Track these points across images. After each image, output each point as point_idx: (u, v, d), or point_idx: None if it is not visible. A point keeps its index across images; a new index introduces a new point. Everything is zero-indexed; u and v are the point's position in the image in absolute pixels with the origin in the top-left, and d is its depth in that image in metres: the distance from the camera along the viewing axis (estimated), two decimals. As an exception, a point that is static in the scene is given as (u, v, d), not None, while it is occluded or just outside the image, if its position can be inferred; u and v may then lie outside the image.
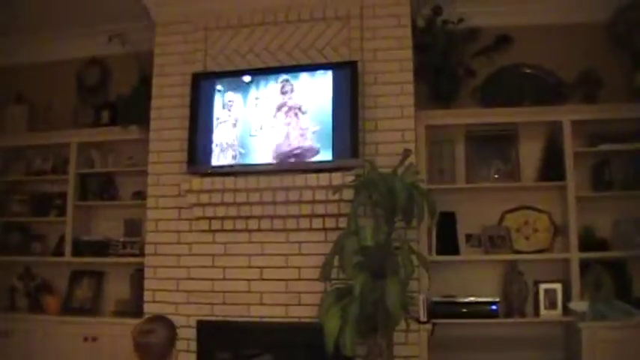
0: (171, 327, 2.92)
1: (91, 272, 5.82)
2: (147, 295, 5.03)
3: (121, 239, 5.61)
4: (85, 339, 5.25)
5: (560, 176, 4.92)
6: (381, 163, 4.50)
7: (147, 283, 5.05)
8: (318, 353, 4.20)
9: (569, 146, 4.91)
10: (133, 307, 5.32)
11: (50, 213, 5.93)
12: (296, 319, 4.73)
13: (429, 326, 4.63)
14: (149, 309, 4.96)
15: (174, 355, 2.90)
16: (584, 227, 4.94)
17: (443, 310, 4.83)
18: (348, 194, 4.50)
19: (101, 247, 5.63)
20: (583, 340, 4.50)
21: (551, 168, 5.02)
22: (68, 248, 5.70)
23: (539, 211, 5.12)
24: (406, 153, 4.39)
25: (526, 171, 5.19)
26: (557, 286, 4.87)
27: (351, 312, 4.08)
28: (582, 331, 4.51)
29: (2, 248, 6.02)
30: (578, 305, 4.69)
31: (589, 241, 4.90)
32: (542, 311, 4.84)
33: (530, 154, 5.21)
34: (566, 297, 4.81)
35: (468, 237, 5.13)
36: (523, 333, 5.00)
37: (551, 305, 4.86)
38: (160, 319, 3.02)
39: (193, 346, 4.85)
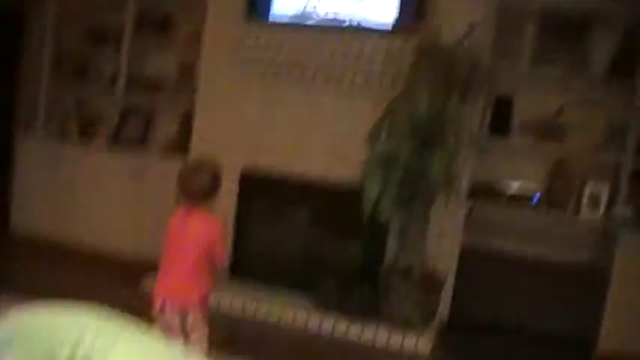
0: (216, 171, 2.94)
1: (141, 109, 5.88)
2: (195, 138, 5.11)
3: (175, 78, 5.61)
4: (132, 172, 5.40)
5: (630, 75, 4.70)
6: (445, 34, 4.33)
7: (196, 125, 5.11)
8: (355, 215, 4.26)
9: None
10: (180, 147, 5.38)
11: (106, 46, 5.93)
12: (338, 180, 4.76)
13: (468, 206, 4.62)
14: (196, 151, 5.04)
15: (214, 198, 2.94)
16: (644, 132, 4.78)
17: (484, 192, 4.79)
18: (408, 60, 4.39)
19: (154, 85, 5.66)
20: (619, 247, 4.46)
21: (622, 65, 4.78)
22: (121, 82, 5.74)
23: (601, 108, 4.93)
24: (472, 27, 4.24)
25: (595, 65, 4.95)
26: (604, 188, 4.76)
27: (394, 178, 4.09)
28: (620, 237, 4.46)
29: (57, 78, 6.08)
30: (621, 210, 4.61)
31: (645, 147, 4.74)
32: (584, 210, 4.76)
33: (602, 45, 4.91)
34: (611, 201, 4.72)
35: (522, 124, 5.00)
36: (561, 228, 4.95)
37: (594, 206, 4.77)
38: (208, 162, 3.04)
39: (235, 192, 4.95)
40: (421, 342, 4.15)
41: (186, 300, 2.88)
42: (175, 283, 2.89)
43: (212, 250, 2.90)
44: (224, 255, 3.02)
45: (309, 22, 4.69)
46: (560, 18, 4.92)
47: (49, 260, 5.25)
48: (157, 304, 2.87)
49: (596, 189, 4.77)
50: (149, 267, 4.89)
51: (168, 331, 2.85)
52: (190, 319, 2.88)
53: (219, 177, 2.93)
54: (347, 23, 4.61)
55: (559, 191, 4.85)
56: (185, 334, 2.88)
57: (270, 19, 4.77)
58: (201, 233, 2.88)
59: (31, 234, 5.73)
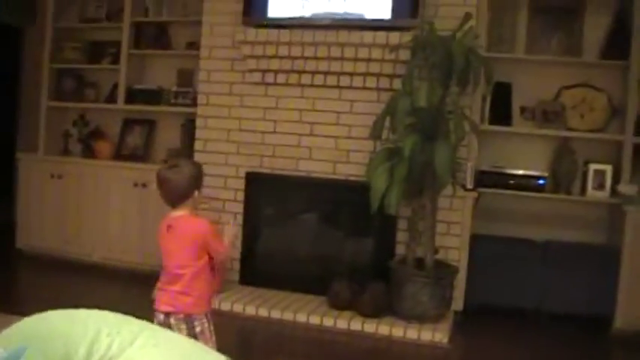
0: (196, 168, 2.82)
1: (142, 120, 5.91)
2: (197, 145, 5.13)
3: (174, 89, 5.63)
4: (136, 184, 5.41)
5: (624, 55, 4.73)
6: (440, 26, 4.34)
7: (198, 133, 5.14)
8: (363, 211, 4.29)
9: (639, 23, 4.67)
10: (183, 155, 5.39)
11: (104, 60, 5.96)
12: (343, 177, 4.79)
13: (474, 194, 4.64)
14: (199, 158, 5.05)
15: (196, 199, 2.79)
16: (643, 111, 4.80)
17: (490, 179, 4.82)
18: (405, 55, 4.44)
19: (153, 96, 5.68)
20: (627, 224, 4.48)
21: (616, 46, 4.80)
22: (121, 96, 5.76)
23: (598, 89, 4.96)
24: (466, 17, 4.26)
25: (589, 47, 4.98)
26: (607, 168, 4.79)
27: (399, 172, 4.11)
28: (627, 215, 4.48)
29: (57, 94, 6.13)
30: (627, 188, 4.64)
31: (645, 126, 4.77)
32: (590, 191, 4.80)
33: (595, 29, 4.96)
34: (615, 179, 4.74)
35: (522, 109, 5.03)
36: (567, 211, 4.99)
37: (599, 186, 4.80)
38: (187, 159, 3.00)
39: (241, 196, 4.99)
40: (438, 333, 4.17)
41: (187, 308, 2.73)
42: (173, 292, 2.74)
43: (207, 248, 2.76)
44: (224, 249, 2.83)
45: (305, 21, 4.70)
46: (552, 3, 4.96)
47: (57, 275, 5.31)
48: (160, 317, 2.73)
49: (600, 168, 4.80)
50: (157, 276, 4.97)
51: None
52: (198, 328, 2.73)
53: (196, 175, 2.79)
54: (342, 20, 4.63)
55: (564, 174, 4.88)
56: None
57: (267, 20, 4.79)
58: (187, 234, 2.74)
59: (38, 251, 5.77)
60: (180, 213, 2.76)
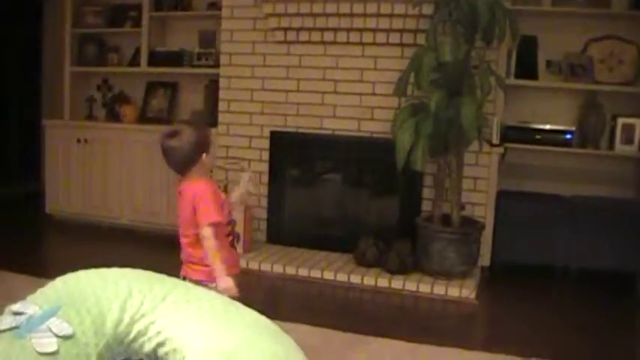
0: (198, 132, 2.61)
1: (166, 83, 5.92)
2: (221, 105, 5.13)
3: (196, 50, 5.60)
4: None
5: (654, 6, 4.62)
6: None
7: (221, 94, 5.13)
8: (388, 169, 4.28)
9: (670, -30, 4.56)
10: (207, 117, 5.41)
11: (125, 24, 5.95)
12: (368, 134, 4.77)
13: (501, 150, 4.60)
14: (223, 119, 5.08)
15: (205, 163, 2.64)
16: (673, 63, 4.71)
17: (516, 135, 4.76)
18: (428, 9, 4.38)
19: (176, 58, 5.66)
20: (656, 178, 4.43)
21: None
22: (144, 59, 5.77)
23: (627, 42, 4.85)
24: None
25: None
26: (636, 122, 4.71)
27: (425, 128, 4.08)
28: (657, 169, 4.42)
29: (79, 60, 6.15)
30: (656, 142, 4.57)
31: (676, 75, 4.67)
32: (618, 145, 4.72)
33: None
34: (644, 133, 4.68)
35: (549, 63, 4.94)
36: (595, 166, 4.93)
37: (628, 141, 4.72)
38: (190, 123, 2.78)
39: (266, 155, 5.01)
40: (465, 289, 4.17)
41: (195, 275, 2.66)
42: (183, 259, 2.71)
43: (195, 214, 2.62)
44: (208, 219, 2.55)
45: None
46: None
47: (86, 239, 5.38)
48: None
49: (629, 122, 4.72)
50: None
51: None
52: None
53: (199, 140, 2.59)
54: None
55: (591, 129, 4.81)
56: None
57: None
58: (188, 199, 2.62)
59: (67, 216, 5.85)
60: (190, 180, 2.64)
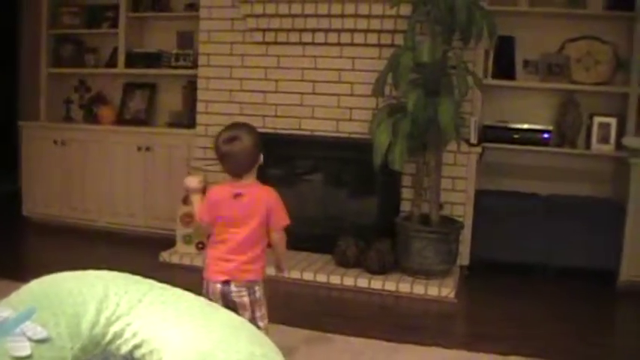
0: (254, 131, 2.71)
1: (144, 84, 5.88)
2: (199, 106, 5.12)
3: (174, 51, 5.57)
4: (139, 148, 5.39)
5: (630, 7, 4.66)
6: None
7: (200, 95, 5.12)
8: (368, 169, 4.28)
9: (643, -28, 4.61)
10: (185, 118, 5.40)
11: (103, 25, 5.90)
12: (346, 135, 4.78)
13: (479, 149, 4.63)
14: (201, 120, 5.06)
15: (260, 163, 2.74)
16: (648, 62, 4.75)
17: (494, 134, 4.80)
18: (406, 9, 4.39)
19: (154, 59, 5.63)
20: (632, 177, 4.46)
21: (621, -3, 4.75)
22: (121, 60, 5.72)
23: (603, 42, 4.90)
24: (468, -31, 4.19)
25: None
26: (612, 121, 4.77)
27: (403, 128, 4.09)
28: (632, 168, 4.45)
29: (56, 61, 6.09)
30: (632, 141, 4.61)
31: (651, 77, 4.72)
32: (595, 144, 4.78)
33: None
34: (621, 132, 4.72)
35: (526, 63, 4.99)
36: (572, 165, 4.97)
37: (604, 139, 4.78)
38: (242, 125, 2.78)
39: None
40: (445, 288, 4.18)
41: (251, 276, 2.72)
42: (239, 262, 2.70)
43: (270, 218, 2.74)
44: (286, 219, 2.77)
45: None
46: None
47: (64, 242, 5.32)
48: (217, 286, 2.69)
49: (605, 122, 4.77)
50: (162, 239, 4.96)
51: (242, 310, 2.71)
52: (258, 294, 2.74)
53: (258, 141, 2.69)
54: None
55: (568, 128, 4.85)
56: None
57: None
58: (260, 202, 2.70)
59: (44, 218, 5.79)
60: (249, 181, 2.71)
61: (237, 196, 2.68)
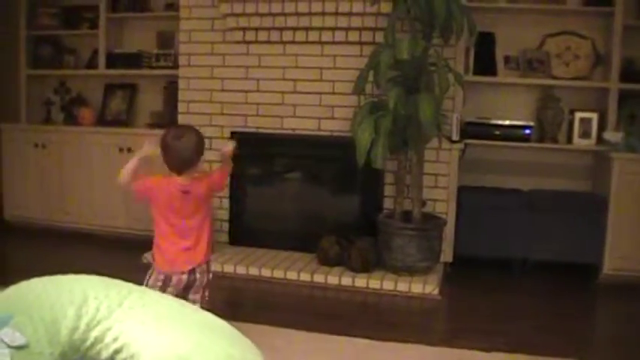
0: (200, 136, 2.91)
1: (124, 85, 5.84)
2: (181, 107, 5.09)
3: (154, 51, 5.54)
4: (120, 149, 5.35)
5: (608, 2, 4.69)
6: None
7: (181, 95, 5.09)
8: (349, 167, 4.28)
9: (622, -31, 4.63)
10: (166, 118, 5.36)
11: (82, 26, 5.85)
12: (328, 133, 4.77)
13: (460, 146, 4.64)
14: (183, 120, 5.03)
15: (200, 166, 2.95)
16: (627, 58, 4.77)
17: (476, 131, 4.81)
18: (386, 7, 4.40)
19: (134, 60, 5.59)
20: (613, 171, 4.49)
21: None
22: (102, 61, 5.68)
23: (583, 37, 4.93)
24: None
25: (572, -5, 4.95)
26: (593, 116, 4.79)
27: (384, 125, 4.09)
28: (613, 162, 4.49)
29: (35, 62, 6.03)
30: (613, 136, 4.65)
31: (630, 72, 4.74)
32: (576, 139, 4.80)
33: (578, -25, 4.93)
34: (601, 127, 4.75)
35: (506, 59, 5.01)
36: (554, 160, 5.01)
37: (585, 134, 4.81)
38: (190, 127, 3.03)
39: (226, 156, 4.95)
40: (428, 285, 4.19)
41: (207, 256, 2.99)
42: (194, 248, 2.95)
43: (214, 188, 3.09)
44: (225, 172, 3.18)
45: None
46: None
47: (45, 245, 5.29)
48: (183, 276, 2.91)
49: (586, 117, 4.80)
50: (144, 241, 4.96)
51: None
52: (211, 271, 3.04)
53: (202, 143, 2.91)
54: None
55: (549, 123, 4.88)
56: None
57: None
58: (203, 194, 2.94)
59: (25, 221, 5.74)
60: (190, 178, 2.88)
61: (185, 193, 2.88)
